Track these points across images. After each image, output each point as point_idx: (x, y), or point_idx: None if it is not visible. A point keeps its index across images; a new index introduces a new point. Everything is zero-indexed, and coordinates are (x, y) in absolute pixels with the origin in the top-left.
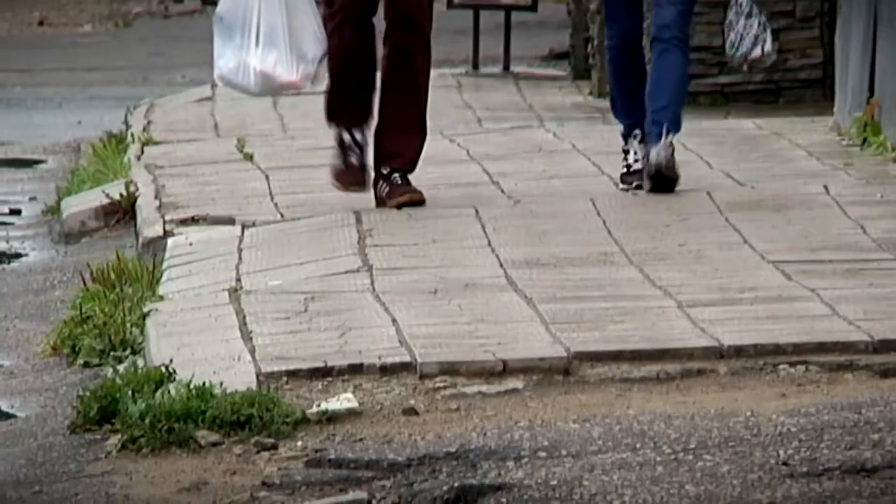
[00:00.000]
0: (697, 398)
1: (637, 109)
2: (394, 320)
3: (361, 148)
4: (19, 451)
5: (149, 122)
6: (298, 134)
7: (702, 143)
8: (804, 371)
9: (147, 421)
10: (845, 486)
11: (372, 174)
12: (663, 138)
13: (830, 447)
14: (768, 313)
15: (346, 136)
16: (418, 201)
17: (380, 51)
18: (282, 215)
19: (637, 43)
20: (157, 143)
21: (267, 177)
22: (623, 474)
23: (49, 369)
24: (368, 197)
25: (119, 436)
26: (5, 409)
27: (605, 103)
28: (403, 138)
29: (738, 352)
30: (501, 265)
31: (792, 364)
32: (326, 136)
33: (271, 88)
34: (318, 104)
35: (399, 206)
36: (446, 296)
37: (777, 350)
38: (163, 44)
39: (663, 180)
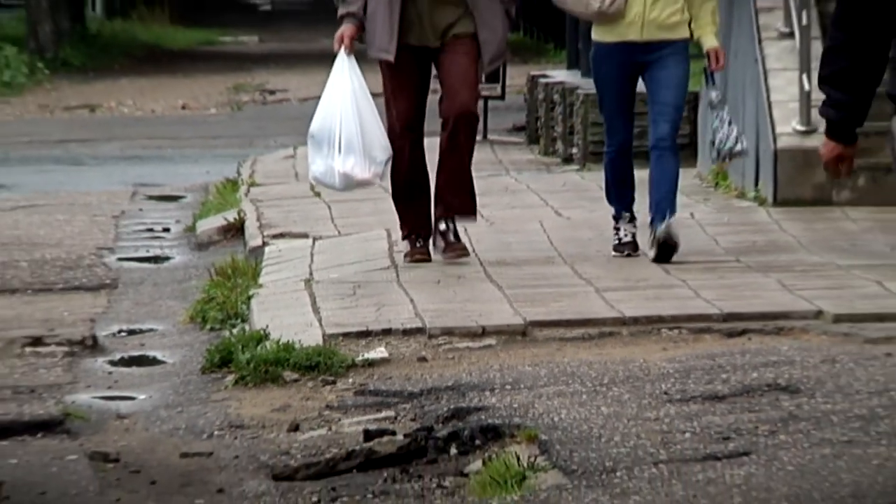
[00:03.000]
0: (608, 351)
1: (626, 196)
2: (412, 300)
3: (425, 243)
4: (168, 385)
5: (253, 171)
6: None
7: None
8: (678, 333)
9: (251, 365)
10: (704, 408)
11: (432, 251)
12: (665, 220)
13: (695, 382)
14: (655, 295)
15: (414, 237)
16: (462, 256)
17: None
18: (339, 232)
19: (629, 149)
20: (258, 185)
21: (329, 207)
22: (560, 400)
23: (187, 332)
24: (396, 220)
25: (233, 375)
26: (160, 358)
27: (549, 160)
28: (460, 195)
29: (635, 321)
30: (481, 264)
31: (670, 328)
32: None
33: (351, 185)
34: None
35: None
36: (446, 284)
37: (660, 319)
38: (262, 121)
39: (668, 248)
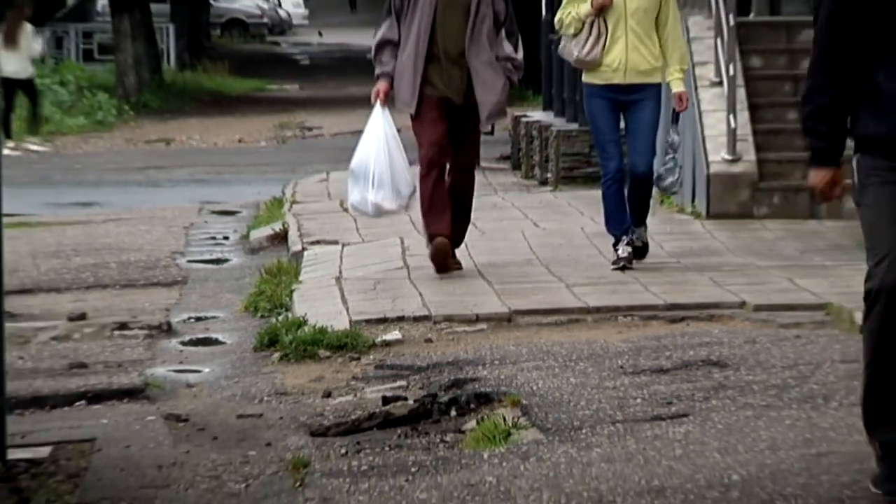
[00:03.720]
0: (576, 334)
1: (623, 222)
2: (420, 294)
3: (450, 240)
4: (227, 361)
5: (294, 192)
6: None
7: (579, 203)
8: (631, 319)
9: (293, 345)
10: (652, 378)
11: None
12: (635, 234)
13: (645, 359)
14: (613, 289)
15: (432, 243)
16: (457, 268)
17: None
18: (362, 239)
19: (622, 174)
20: (298, 202)
21: (355, 220)
22: (538, 373)
23: (242, 319)
24: (408, 230)
25: (279, 353)
26: (221, 339)
27: (529, 182)
28: (456, 230)
29: (597, 309)
30: (475, 265)
31: (624, 315)
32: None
33: (380, 213)
34: None
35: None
36: (448, 281)
37: (617, 308)
38: (302, 152)
39: (638, 249)
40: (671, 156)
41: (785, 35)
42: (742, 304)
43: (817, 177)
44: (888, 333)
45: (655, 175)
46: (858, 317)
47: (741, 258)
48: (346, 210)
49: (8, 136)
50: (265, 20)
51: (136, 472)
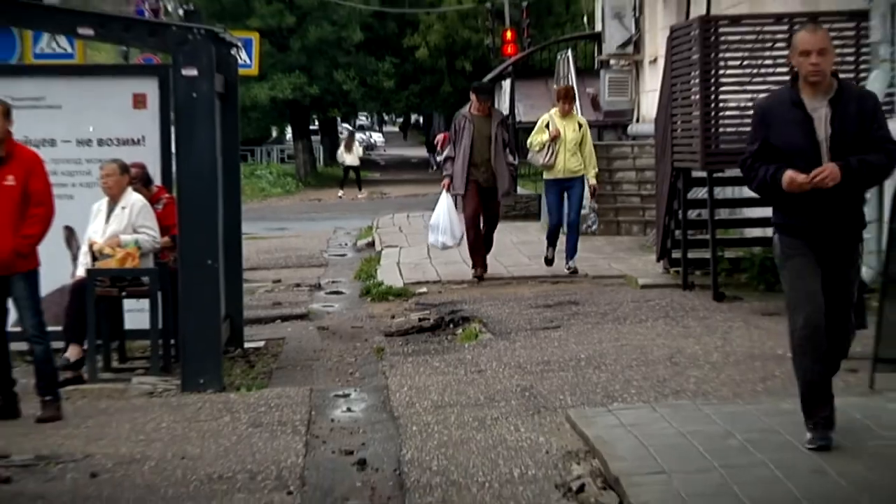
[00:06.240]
0: (509, 289)
1: (554, 244)
2: (436, 270)
3: (483, 271)
4: (346, 301)
5: (378, 223)
6: (418, 231)
7: (511, 229)
8: (535, 283)
9: (377, 294)
10: (544, 310)
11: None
12: (572, 259)
13: (541, 300)
14: (525, 268)
15: (475, 271)
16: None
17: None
18: (409, 246)
19: (560, 224)
20: (379, 227)
21: (406, 236)
22: (491, 307)
23: (353, 282)
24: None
25: (370, 298)
26: (343, 291)
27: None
28: (487, 246)
29: (518, 278)
30: (462, 259)
31: (531, 280)
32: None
33: (446, 247)
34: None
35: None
36: (450, 265)
37: (527, 277)
38: (381, 204)
39: (571, 272)
40: (592, 214)
41: (605, 152)
42: (586, 275)
43: (800, 179)
44: (807, 356)
45: (582, 222)
46: (640, 281)
47: (586, 254)
48: (401, 231)
49: (341, 186)
50: (364, 143)
51: (303, 353)
